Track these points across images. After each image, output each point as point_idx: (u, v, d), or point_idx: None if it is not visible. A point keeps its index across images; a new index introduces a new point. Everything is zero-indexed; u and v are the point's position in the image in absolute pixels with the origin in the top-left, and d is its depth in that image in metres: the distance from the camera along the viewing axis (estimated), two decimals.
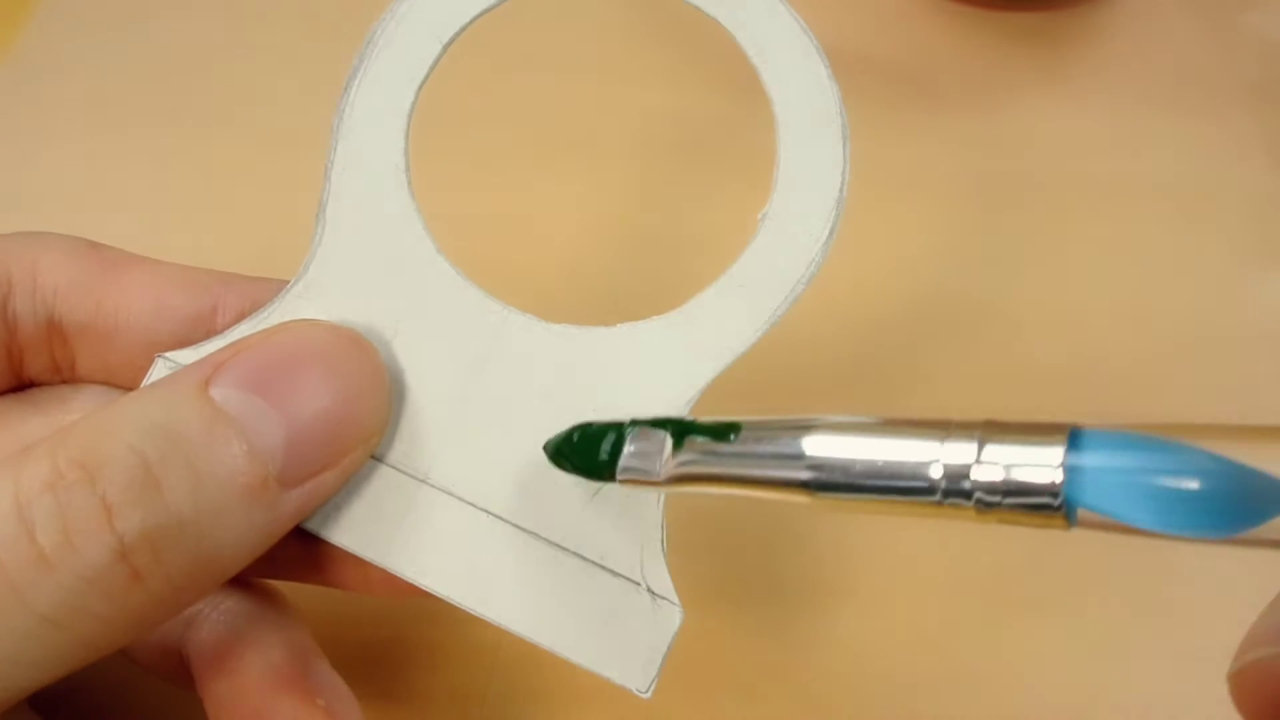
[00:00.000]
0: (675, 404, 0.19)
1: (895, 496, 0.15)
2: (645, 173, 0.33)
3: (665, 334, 0.19)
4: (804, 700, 0.26)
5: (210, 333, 0.20)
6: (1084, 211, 0.32)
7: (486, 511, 0.18)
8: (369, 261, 0.19)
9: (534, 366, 0.19)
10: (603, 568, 0.18)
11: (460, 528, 0.18)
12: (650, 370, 0.19)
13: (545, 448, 0.18)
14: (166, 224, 0.33)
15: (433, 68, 0.20)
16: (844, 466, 0.15)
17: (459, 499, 0.18)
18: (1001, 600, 0.27)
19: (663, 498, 0.18)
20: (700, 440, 0.17)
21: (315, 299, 0.19)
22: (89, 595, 0.15)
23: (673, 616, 0.18)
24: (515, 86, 0.34)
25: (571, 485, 0.18)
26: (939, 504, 0.14)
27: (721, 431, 0.16)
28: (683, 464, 0.17)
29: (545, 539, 0.18)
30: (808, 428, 0.15)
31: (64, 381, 0.21)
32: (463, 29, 0.20)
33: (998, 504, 0.14)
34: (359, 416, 0.18)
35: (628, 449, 0.17)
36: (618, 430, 0.18)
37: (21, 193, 0.33)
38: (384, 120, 0.20)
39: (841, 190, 0.19)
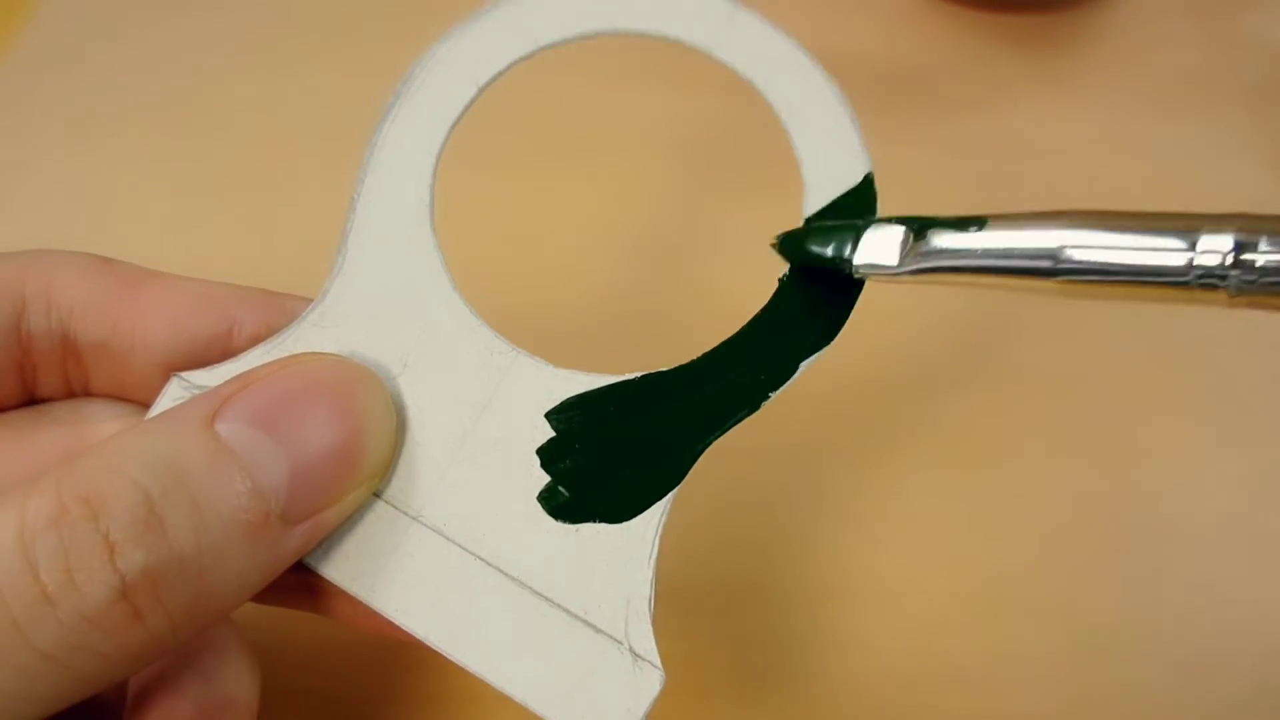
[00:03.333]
0: (680, 458, 0.19)
1: (1147, 281, 0.15)
2: (649, 176, 0.33)
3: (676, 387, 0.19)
4: (803, 702, 0.26)
5: (226, 352, 0.19)
6: None
7: (475, 555, 0.18)
8: (385, 294, 0.19)
9: (538, 411, 0.19)
10: (585, 623, 0.18)
11: (447, 570, 0.18)
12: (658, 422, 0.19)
13: (780, 243, 0.18)
14: (164, 226, 0.33)
15: (466, 110, 0.20)
16: (1095, 254, 0.16)
17: (449, 540, 0.18)
18: (999, 602, 0.27)
19: (655, 555, 0.18)
20: (943, 232, 0.17)
21: (330, 328, 0.19)
22: (90, 634, 0.15)
23: (653, 680, 0.17)
24: (517, 88, 0.34)
25: (561, 534, 0.18)
26: (1191, 287, 0.15)
27: (965, 223, 0.17)
28: (924, 255, 0.17)
29: (530, 588, 0.18)
30: (1056, 217, 0.16)
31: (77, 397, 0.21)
32: (499, 74, 0.20)
33: (1256, 285, 0.15)
34: (364, 454, 0.17)
35: (865, 241, 0.17)
36: (855, 228, 0.18)
37: (18, 194, 0.33)
38: (414, 157, 0.19)
39: None
